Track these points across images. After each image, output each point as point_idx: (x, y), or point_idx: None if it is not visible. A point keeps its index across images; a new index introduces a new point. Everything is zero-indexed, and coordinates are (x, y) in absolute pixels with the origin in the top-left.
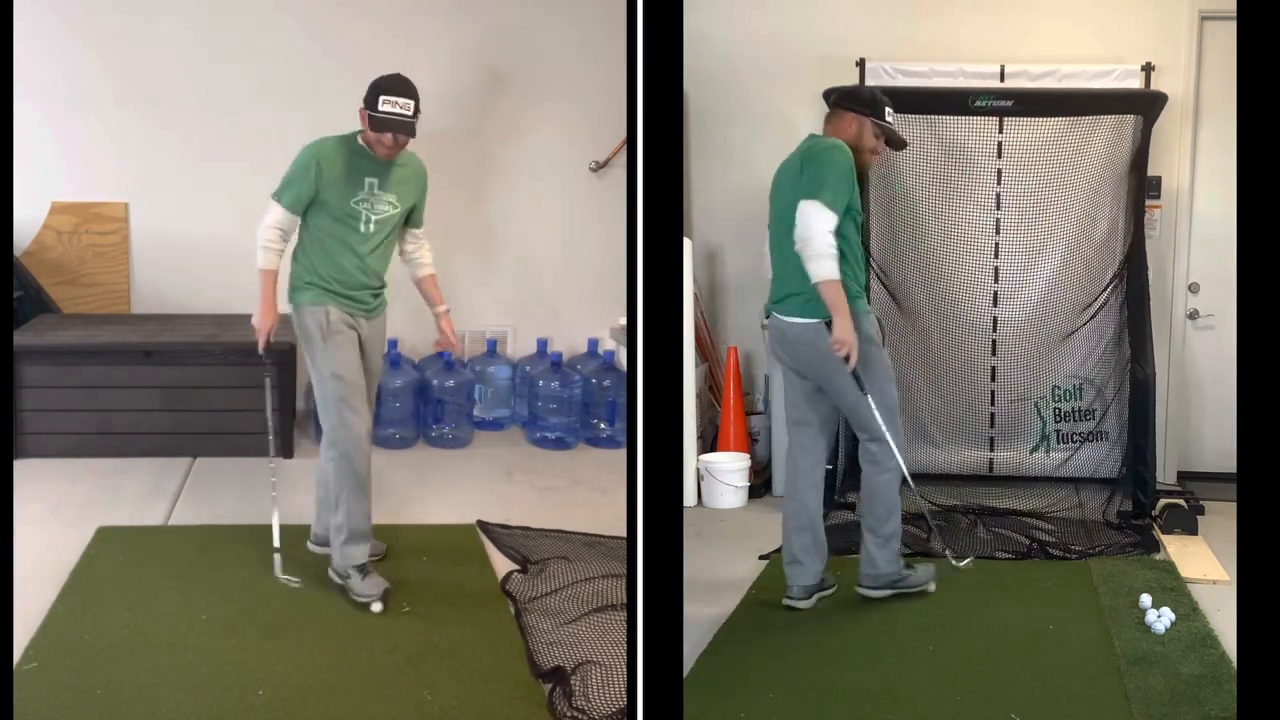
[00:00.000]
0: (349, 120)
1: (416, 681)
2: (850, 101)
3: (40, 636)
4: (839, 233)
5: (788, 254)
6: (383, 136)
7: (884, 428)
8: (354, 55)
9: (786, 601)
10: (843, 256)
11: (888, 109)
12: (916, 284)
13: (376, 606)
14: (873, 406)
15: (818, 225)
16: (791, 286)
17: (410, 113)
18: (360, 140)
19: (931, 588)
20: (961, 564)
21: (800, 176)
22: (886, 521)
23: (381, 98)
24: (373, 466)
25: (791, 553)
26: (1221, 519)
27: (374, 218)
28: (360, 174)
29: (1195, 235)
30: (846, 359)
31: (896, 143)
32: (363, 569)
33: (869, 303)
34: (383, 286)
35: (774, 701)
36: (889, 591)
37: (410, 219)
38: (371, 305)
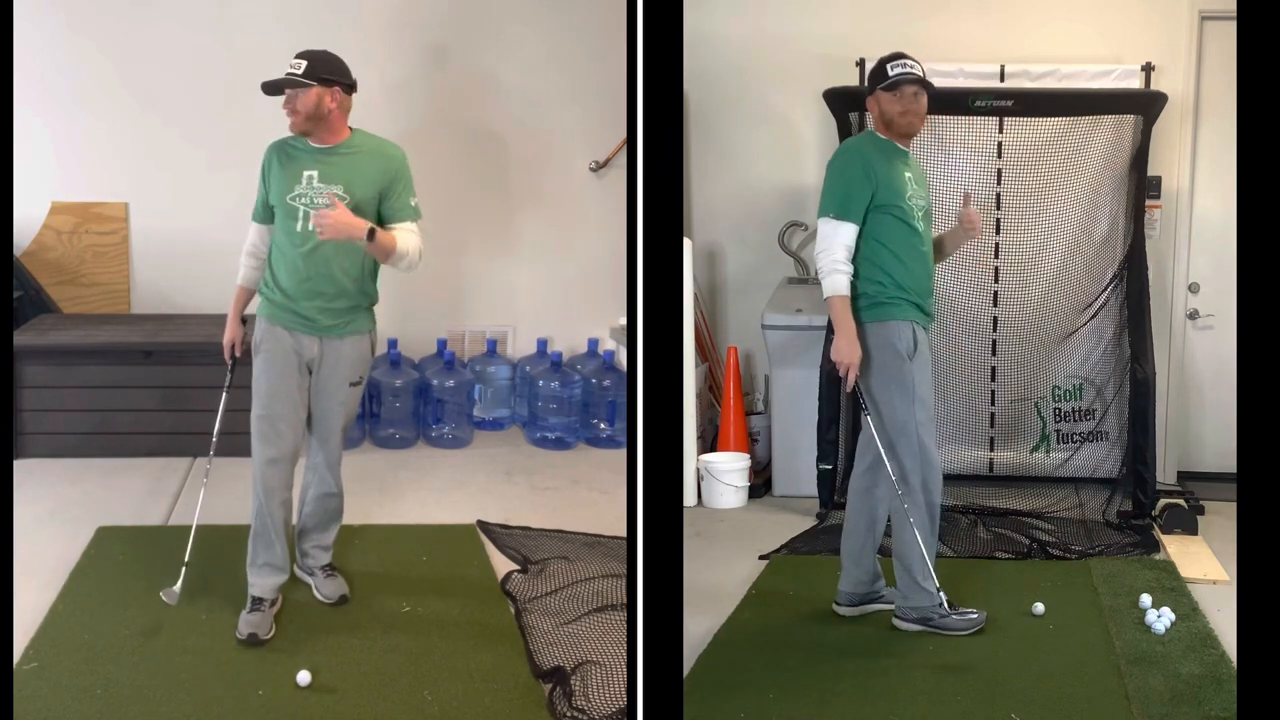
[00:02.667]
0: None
1: (416, 681)
2: (861, 91)
3: (40, 636)
4: (876, 236)
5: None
6: (285, 105)
7: (893, 448)
8: (354, 57)
9: (834, 606)
10: (881, 262)
11: (889, 65)
12: None
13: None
14: (870, 425)
15: (824, 241)
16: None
17: (299, 71)
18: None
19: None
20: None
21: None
22: (907, 550)
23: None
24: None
25: (841, 556)
26: (1221, 519)
27: (313, 213)
28: (298, 167)
29: (1195, 235)
30: (846, 377)
31: (916, 81)
32: (329, 567)
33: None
34: (344, 300)
35: (774, 701)
36: (918, 627)
37: (385, 212)
38: (322, 324)
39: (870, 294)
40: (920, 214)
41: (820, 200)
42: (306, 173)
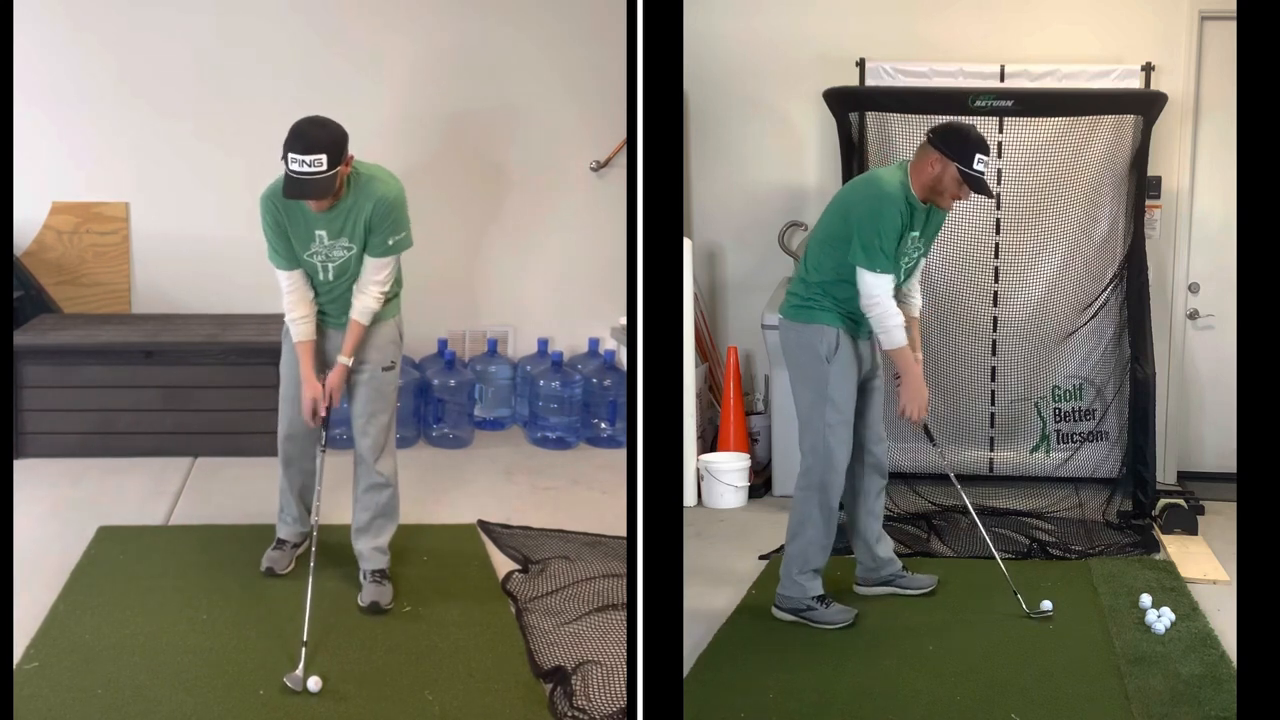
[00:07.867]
0: (349, 121)
1: (417, 681)
2: (938, 140)
3: (40, 636)
4: (841, 258)
5: (805, 265)
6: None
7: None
8: (356, 55)
9: (855, 587)
10: (824, 272)
11: (979, 156)
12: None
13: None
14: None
15: (880, 294)
16: (793, 290)
17: (322, 168)
18: None
19: (845, 622)
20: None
21: (849, 216)
22: (791, 540)
23: (290, 155)
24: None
25: (852, 543)
26: (1221, 519)
27: (331, 265)
28: (309, 226)
29: (1195, 235)
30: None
31: (982, 191)
32: (379, 573)
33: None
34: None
35: (774, 701)
36: (791, 618)
37: (367, 246)
38: (341, 320)
39: (800, 295)
40: (904, 264)
41: (860, 242)
42: (318, 232)
